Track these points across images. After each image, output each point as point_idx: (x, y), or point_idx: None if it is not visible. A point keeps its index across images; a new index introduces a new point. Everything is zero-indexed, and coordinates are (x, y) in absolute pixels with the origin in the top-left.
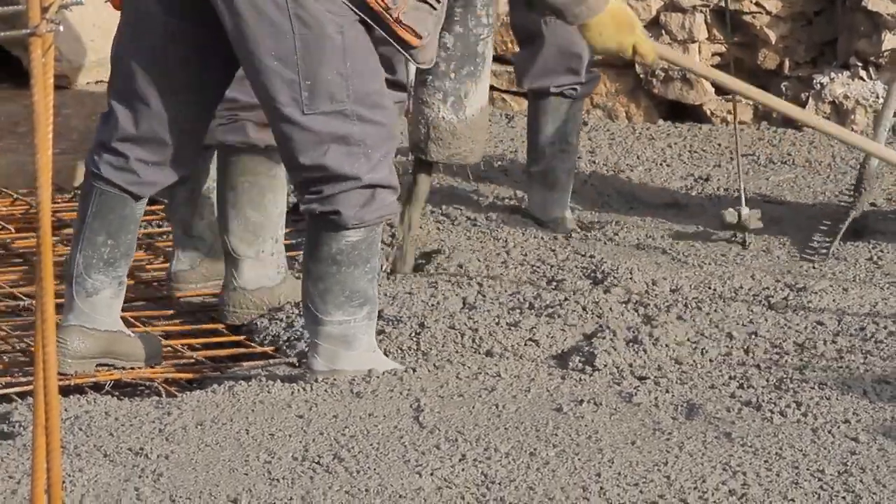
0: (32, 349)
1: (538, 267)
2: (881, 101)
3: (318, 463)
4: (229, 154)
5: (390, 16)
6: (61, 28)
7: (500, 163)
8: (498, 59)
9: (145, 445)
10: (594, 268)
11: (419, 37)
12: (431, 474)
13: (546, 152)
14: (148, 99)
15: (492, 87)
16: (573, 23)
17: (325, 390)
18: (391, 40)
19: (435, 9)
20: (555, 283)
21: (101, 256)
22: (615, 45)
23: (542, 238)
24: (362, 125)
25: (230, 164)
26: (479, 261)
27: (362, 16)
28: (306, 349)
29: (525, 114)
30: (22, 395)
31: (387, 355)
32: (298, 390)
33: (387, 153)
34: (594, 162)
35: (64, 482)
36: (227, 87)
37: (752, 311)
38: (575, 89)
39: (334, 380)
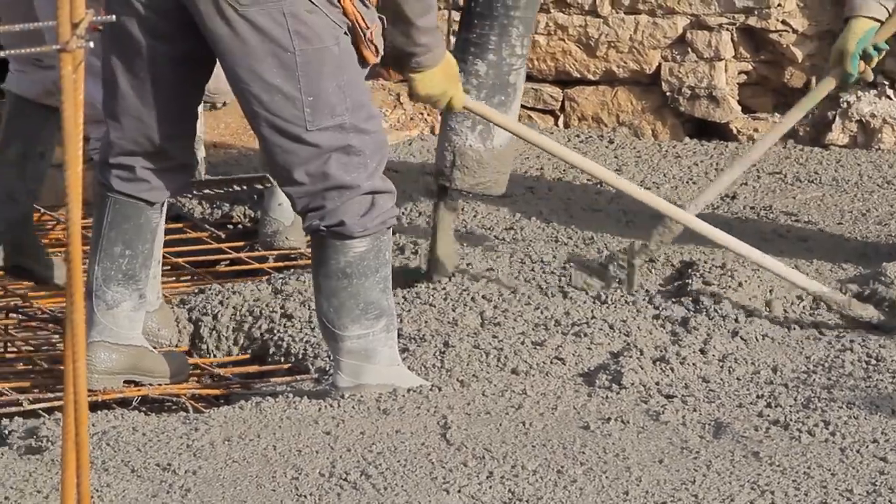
0: (59, 365)
1: (562, 285)
2: None
3: (345, 479)
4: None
5: (363, 34)
6: (91, 44)
7: (524, 180)
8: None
9: (173, 461)
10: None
11: (377, 54)
12: (459, 491)
13: None
14: (140, 114)
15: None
16: (416, 69)
17: (353, 407)
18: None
19: (385, 26)
20: (578, 301)
21: (120, 268)
22: (439, 93)
23: (554, 258)
24: (359, 136)
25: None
26: (505, 278)
27: (347, 30)
28: (328, 368)
29: (551, 131)
30: (49, 411)
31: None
32: (325, 406)
33: (381, 161)
34: None
35: (92, 497)
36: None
37: (780, 328)
38: None
39: (361, 396)
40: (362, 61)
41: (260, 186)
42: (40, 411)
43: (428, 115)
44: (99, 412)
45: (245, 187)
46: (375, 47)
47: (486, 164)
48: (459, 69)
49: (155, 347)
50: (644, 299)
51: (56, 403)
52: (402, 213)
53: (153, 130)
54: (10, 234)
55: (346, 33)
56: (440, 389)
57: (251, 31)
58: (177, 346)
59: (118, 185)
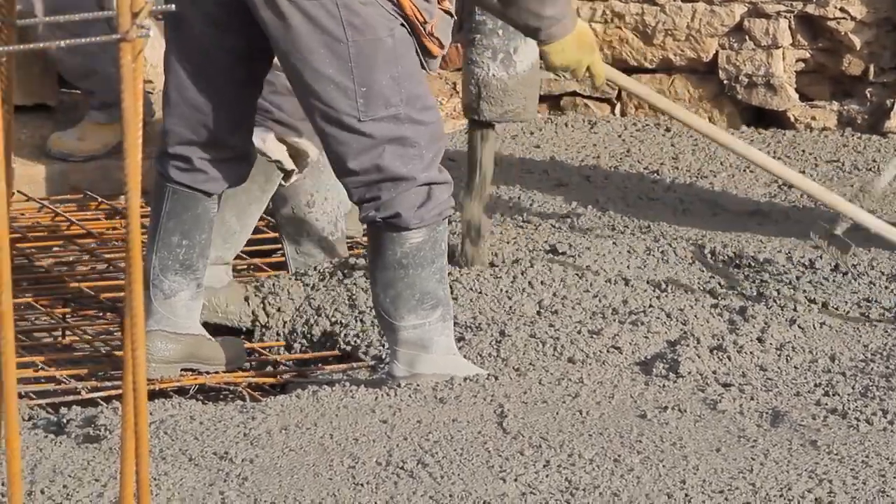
0: (117, 353)
1: (619, 273)
2: None
3: (401, 468)
4: None
5: (424, 29)
6: (151, 33)
7: (580, 168)
8: None
9: (230, 449)
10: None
11: (442, 47)
12: (515, 480)
13: None
14: (198, 105)
15: (574, 93)
16: (546, 42)
17: (409, 395)
18: (417, 50)
19: (454, 17)
20: (637, 290)
21: (177, 257)
22: (574, 63)
23: (623, 245)
24: (414, 126)
25: None
26: (559, 266)
27: (405, 22)
28: (385, 356)
29: (608, 119)
30: (107, 399)
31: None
32: (382, 395)
33: (438, 152)
34: (677, 168)
35: (150, 486)
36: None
37: (835, 318)
38: None
39: (417, 385)
40: (428, 54)
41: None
42: (98, 400)
43: None
44: (156, 401)
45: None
46: (438, 40)
47: (512, 92)
48: None
49: (223, 324)
50: (701, 288)
51: (114, 392)
52: (459, 201)
53: (211, 121)
54: None
55: (402, 25)
56: (496, 378)
57: (305, 22)
58: (243, 324)
59: (176, 176)
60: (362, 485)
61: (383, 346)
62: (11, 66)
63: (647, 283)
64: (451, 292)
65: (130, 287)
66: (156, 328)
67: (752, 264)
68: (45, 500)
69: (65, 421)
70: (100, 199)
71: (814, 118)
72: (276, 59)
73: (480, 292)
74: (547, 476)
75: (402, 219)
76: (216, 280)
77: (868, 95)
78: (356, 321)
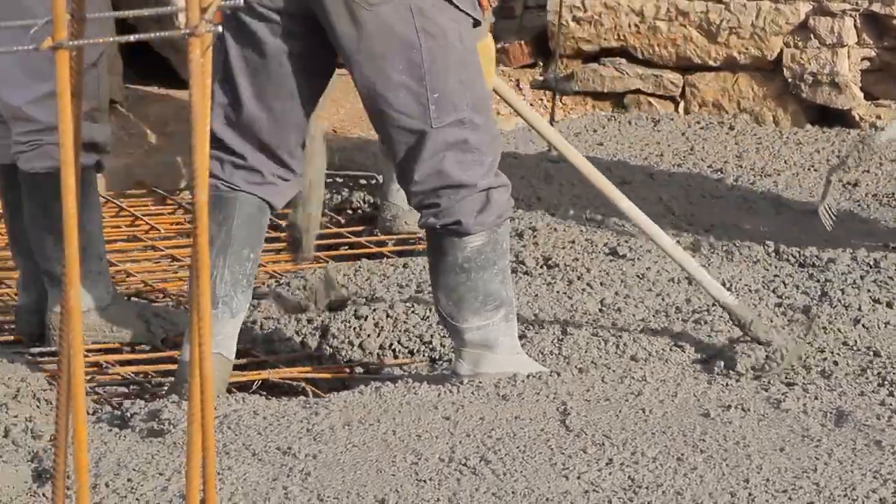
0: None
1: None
2: None
3: (464, 465)
4: (37, 179)
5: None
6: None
7: (644, 166)
8: (644, 62)
9: (293, 445)
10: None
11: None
12: (578, 478)
13: None
14: (272, 116)
15: (637, 91)
16: None
17: (472, 392)
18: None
19: None
20: (700, 289)
21: (245, 272)
22: None
23: (687, 243)
24: (475, 132)
25: (40, 189)
26: (621, 264)
27: (475, 18)
28: (446, 353)
29: (671, 117)
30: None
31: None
32: (445, 392)
33: (496, 156)
34: (741, 166)
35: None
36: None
37: None
38: None
39: (480, 382)
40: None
41: (365, 182)
42: (163, 393)
43: (548, 101)
44: (220, 396)
45: (351, 183)
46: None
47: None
48: None
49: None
50: (765, 286)
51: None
52: (521, 200)
53: (282, 134)
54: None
55: (473, 25)
56: (559, 375)
57: (379, 29)
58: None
59: (248, 187)
60: (425, 481)
61: (444, 344)
62: (81, 61)
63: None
64: (515, 290)
65: (197, 281)
66: (216, 351)
67: (816, 263)
68: (109, 493)
69: (128, 415)
70: (164, 194)
71: (879, 117)
72: None
73: (542, 289)
74: (610, 474)
75: (463, 225)
76: (97, 300)
77: None
78: (417, 317)
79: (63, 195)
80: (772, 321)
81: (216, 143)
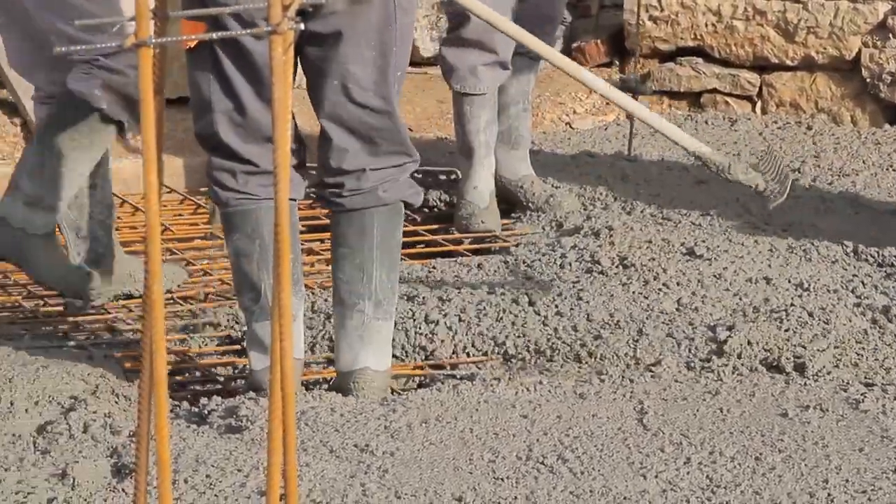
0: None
1: (761, 272)
2: None
3: (542, 463)
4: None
5: None
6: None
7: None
8: (721, 61)
9: (370, 442)
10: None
11: None
12: (656, 477)
13: (510, 111)
14: (264, 111)
15: (714, 90)
16: None
17: (549, 391)
18: None
19: None
20: (778, 288)
21: (293, 276)
22: None
23: (765, 243)
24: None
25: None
26: (698, 263)
27: None
28: (516, 353)
29: (748, 117)
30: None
31: (601, 361)
32: (522, 390)
33: None
34: (818, 166)
35: None
36: None
37: None
38: None
39: (559, 382)
40: None
41: (444, 178)
42: (240, 390)
43: None
44: (297, 393)
45: (430, 179)
46: None
47: None
48: None
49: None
50: (844, 286)
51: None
52: (597, 199)
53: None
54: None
55: None
56: (635, 375)
57: (362, 5)
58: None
59: (266, 193)
60: (502, 479)
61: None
62: (164, 58)
63: (789, 281)
64: (590, 290)
65: (278, 279)
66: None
67: (895, 263)
68: (188, 489)
69: (206, 412)
70: None
71: None
72: None
73: (617, 288)
74: (688, 473)
75: (415, 194)
76: (38, 226)
77: None
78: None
79: (146, 190)
80: (851, 320)
81: (224, 153)
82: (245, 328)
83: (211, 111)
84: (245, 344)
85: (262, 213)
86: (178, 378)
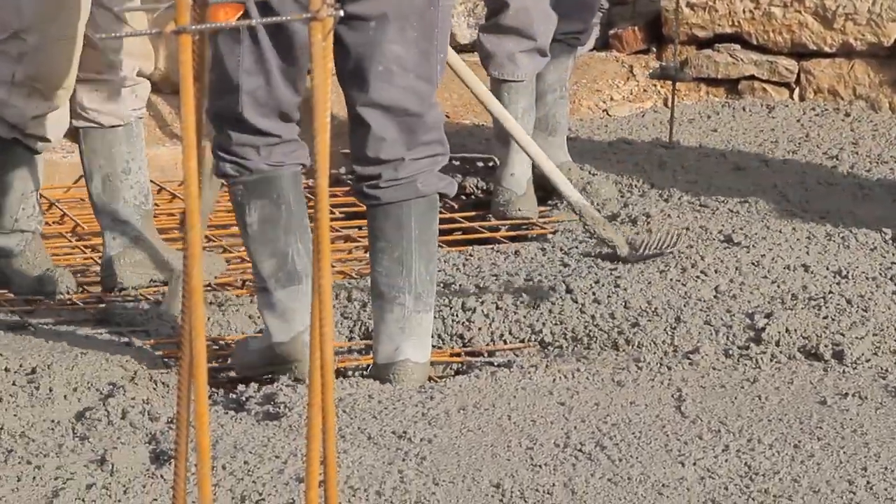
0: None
1: (798, 259)
2: None
3: (580, 450)
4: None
5: None
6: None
7: (758, 153)
8: (759, 48)
9: (408, 429)
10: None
11: None
12: (694, 464)
13: (548, 99)
14: (289, 88)
15: (752, 77)
16: None
17: (587, 378)
18: None
19: None
20: (816, 276)
21: (305, 244)
22: None
23: (803, 231)
24: None
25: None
26: (736, 251)
27: None
28: (554, 340)
29: (786, 104)
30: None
31: (639, 348)
32: (560, 377)
33: None
34: (856, 153)
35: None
36: None
37: None
38: (577, 38)
39: (597, 369)
40: None
41: (482, 165)
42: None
43: (661, 87)
44: (335, 379)
45: (468, 166)
46: None
47: None
48: None
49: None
50: (883, 274)
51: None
52: (634, 186)
53: (293, 105)
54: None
55: None
56: (672, 362)
57: None
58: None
59: (289, 159)
60: (540, 466)
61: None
62: (204, 45)
63: (827, 268)
64: (627, 277)
65: (319, 264)
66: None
67: None
68: (226, 475)
69: (244, 398)
70: None
71: None
72: None
73: (654, 279)
74: (726, 461)
75: (452, 185)
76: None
77: None
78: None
79: (185, 176)
80: (889, 308)
81: (247, 129)
82: (260, 300)
83: (237, 91)
84: (264, 316)
85: (286, 179)
86: (215, 364)
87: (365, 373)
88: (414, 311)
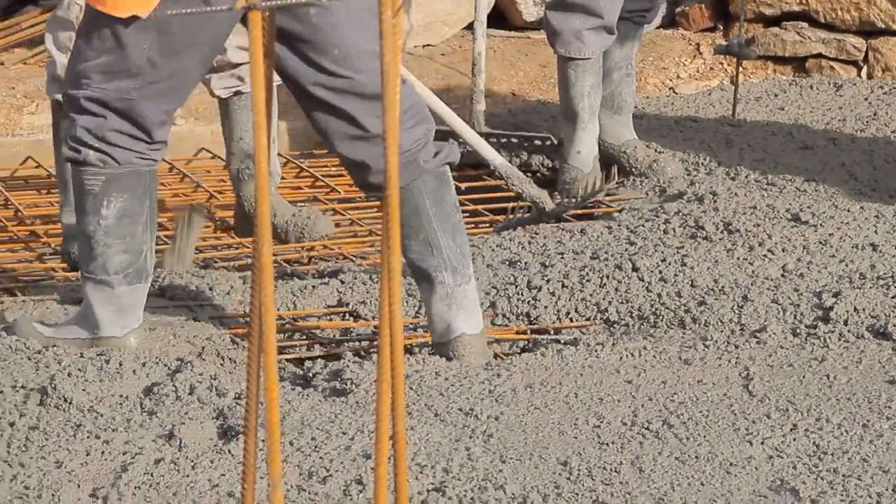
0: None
1: (867, 238)
2: None
3: (647, 428)
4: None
5: None
6: None
7: (826, 131)
8: (827, 26)
9: (475, 406)
10: None
11: None
12: (762, 443)
13: (614, 76)
14: (186, 86)
15: (820, 55)
16: None
17: (654, 356)
18: None
19: None
20: (885, 255)
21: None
22: None
23: (871, 209)
24: None
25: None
26: (803, 229)
27: None
28: (620, 319)
29: (854, 82)
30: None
31: (706, 327)
32: (627, 356)
33: None
34: None
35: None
36: None
37: None
38: (643, 16)
39: (664, 348)
40: None
41: (539, 143)
42: (346, 353)
43: (728, 65)
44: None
45: (526, 144)
46: None
47: None
48: None
49: None
50: None
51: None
52: (700, 164)
53: (179, 103)
54: None
55: None
56: (740, 341)
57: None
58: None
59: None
60: (608, 444)
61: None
62: (272, 22)
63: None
64: (694, 256)
65: (388, 242)
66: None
67: None
68: (293, 451)
69: (311, 374)
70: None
71: None
72: None
73: (722, 254)
74: (794, 440)
75: (455, 153)
76: None
77: None
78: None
79: (255, 154)
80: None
81: (133, 120)
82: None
83: (136, 77)
84: (94, 308)
85: (151, 175)
86: (282, 340)
87: (431, 350)
88: (455, 285)
